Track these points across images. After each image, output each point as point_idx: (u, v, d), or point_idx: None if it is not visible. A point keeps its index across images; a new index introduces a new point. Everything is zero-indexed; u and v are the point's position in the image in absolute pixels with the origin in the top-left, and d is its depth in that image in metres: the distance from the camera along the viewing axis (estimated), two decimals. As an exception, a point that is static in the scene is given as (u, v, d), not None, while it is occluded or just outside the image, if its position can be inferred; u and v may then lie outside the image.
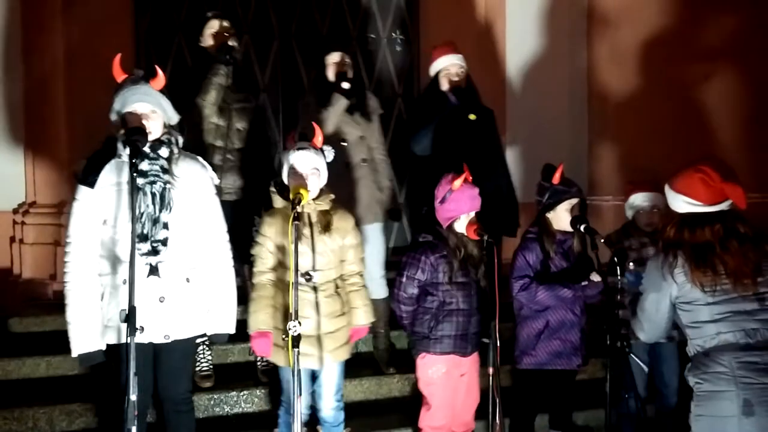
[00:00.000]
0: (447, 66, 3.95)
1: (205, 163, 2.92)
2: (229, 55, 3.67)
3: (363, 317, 3.16)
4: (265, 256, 3.04)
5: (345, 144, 3.80)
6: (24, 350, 3.90)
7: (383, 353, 3.99)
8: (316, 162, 3.00)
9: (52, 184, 4.60)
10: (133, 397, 2.37)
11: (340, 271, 3.11)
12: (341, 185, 3.70)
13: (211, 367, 3.79)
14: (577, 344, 3.42)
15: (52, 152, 4.59)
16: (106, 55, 4.18)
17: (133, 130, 2.58)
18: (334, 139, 3.74)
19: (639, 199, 3.78)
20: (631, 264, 3.11)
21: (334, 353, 3.05)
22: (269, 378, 3.78)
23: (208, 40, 3.81)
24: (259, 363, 3.83)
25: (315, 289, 3.00)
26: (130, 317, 2.41)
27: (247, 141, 3.79)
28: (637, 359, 3.46)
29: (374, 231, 3.86)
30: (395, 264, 3.79)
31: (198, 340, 3.66)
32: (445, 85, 3.95)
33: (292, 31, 5.28)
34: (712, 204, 2.50)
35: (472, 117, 3.81)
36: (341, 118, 3.78)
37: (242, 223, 3.58)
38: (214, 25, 3.80)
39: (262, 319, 2.99)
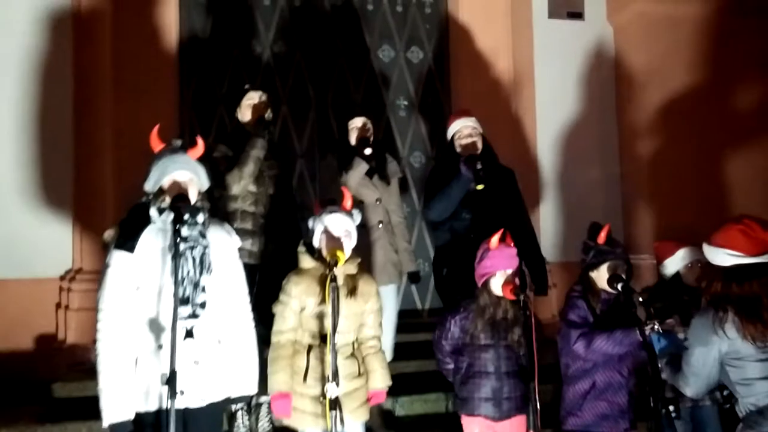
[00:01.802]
0: (459, 129, 4.03)
1: (230, 228, 3.00)
2: (267, 129, 3.83)
3: (380, 380, 3.15)
4: (288, 315, 3.04)
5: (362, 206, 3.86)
6: (66, 415, 3.92)
7: (376, 418, 3.87)
8: (347, 224, 3.06)
9: (98, 252, 4.70)
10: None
11: (357, 334, 3.12)
12: (357, 247, 3.78)
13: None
14: (625, 407, 3.33)
15: (98, 221, 4.69)
16: (152, 125, 4.46)
17: (178, 198, 2.70)
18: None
19: (690, 254, 3.74)
20: (656, 326, 3.06)
21: (354, 413, 3.03)
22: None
23: (245, 112, 3.95)
24: (261, 428, 3.75)
25: (334, 350, 2.99)
26: (171, 381, 2.46)
27: (275, 205, 3.90)
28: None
29: (388, 293, 3.88)
30: (431, 326, 3.80)
31: (235, 406, 3.66)
32: (458, 150, 4.01)
33: (329, 101, 5.47)
34: (754, 255, 2.51)
35: (479, 188, 3.84)
36: (360, 181, 3.87)
37: (270, 286, 3.62)
38: (252, 98, 3.95)
39: (282, 379, 2.98)
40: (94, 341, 4.66)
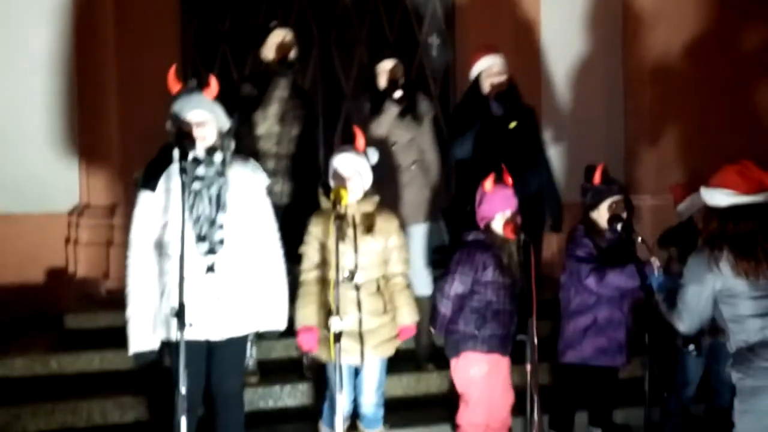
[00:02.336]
0: (489, 66, 3.99)
1: (257, 165, 3.03)
2: (291, 69, 3.78)
3: (407, 316, 3.22)
4: (311, 254, 3.15)
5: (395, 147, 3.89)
6: (79, 345, 4.05)
7: (424, 350, 4.05)
8: (357, 164, 3.09)
9: (104, 187, 4.79)
10: (183, 390, 2.48)
11: (383, 271, 3.18)
12: (391, 187, 3.82)
13: (256, 363, 3.89)
14: (623, 342, 3.45)
15: (104, 156, 4.78)
16: (155, 63, 4.46)
17: (182, 136, 2.73)
18: (385, 144, 3.84)
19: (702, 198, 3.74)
20: (657, 263, 3.13)
21: (375, 349, 3.13)
22: (315, 374, 3.85)
23: (270, 51, 3.87)
24: (305, 359, 3.91)
25: (357, 287, 3.09)
26: (180, 313, 2.53)
27: (298, 146, 3.89)
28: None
29: (422, 230, 3.93)
30: (436, 263, 3.86)
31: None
32: (486, 87, 3.98)
33: (332, 39, 5.40)
34: (750, 193, 2.54)
35: (512, 125, 3.84)
36: (393, 123, 3.87)
37: (294, 225, 3.60)
38: (277, 37, 3.87)
39: (308, 313, 3.11)
40: (104, 275, 4.80)
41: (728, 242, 2.53)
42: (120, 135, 4.74)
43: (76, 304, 4.50)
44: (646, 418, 3.33)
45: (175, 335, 2.73)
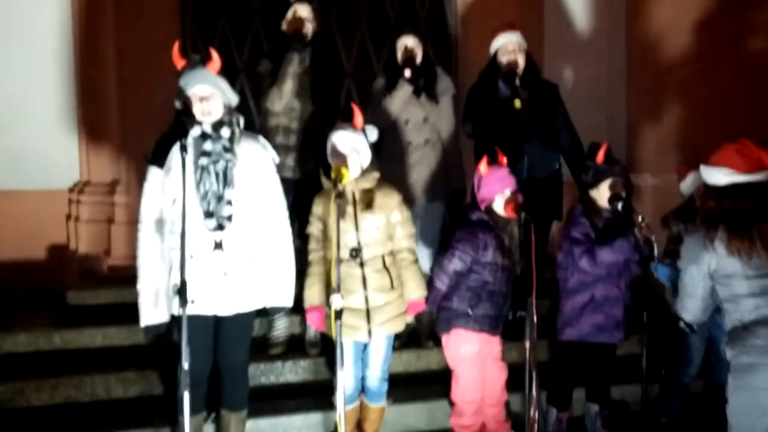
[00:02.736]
0: (504, 44, 3.97)
1: (266, 142, 3.02)
2: (301, 43, 3.75)
3: (415, 291, 3.23)
4: (315, 234, 3.18)
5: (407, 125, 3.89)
6: (81, 321, 4.07)
7: (425, 327, 4.08)
8: (355, 141, 3.08)
9: (105, 164, 4.79)
10: (186, 366, 2.51)
11: (389, 247, 3.18)
12: (401, 165, 3.83)
13: (285, 336, 3.94)
14: (620, 319, 3.48)
15: (104, 133, 4.77)
16: (154, 39, 4.43)
17: (182, 112, 2.75)
18: (398, 121, 3.86)
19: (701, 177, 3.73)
20: (644, 225, 3.13)
21: (382, 326, 3.15)
22: (318, 351, 3.90)
23: (285, 25, 3.87)
24: (307, 336, 3.94)
25: (362, 264, 3.10)
26: (181, 290, 2.55)
27: (314, 121, 3.87)
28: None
29: (432, 210, 3.94)
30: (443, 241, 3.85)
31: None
32: (501, 64, 3.96)
33: (333, 16, 5.34)
34: (749, 172, 2.53)
35: (517, 105, 3.81)
36: (407, 100, 3.86)
37: (308, 202, 3.58)
38: (293, 11, 3.86)
39: (314, 294, 3.15)
40: (106, 252, 4.81)
41: (724, 221, 2.52)
42: (120, 112, 4.72)
43: (78, 281, 4.52)
44: (644, 394, 3.36)
45: (178, 311, 2.80)
